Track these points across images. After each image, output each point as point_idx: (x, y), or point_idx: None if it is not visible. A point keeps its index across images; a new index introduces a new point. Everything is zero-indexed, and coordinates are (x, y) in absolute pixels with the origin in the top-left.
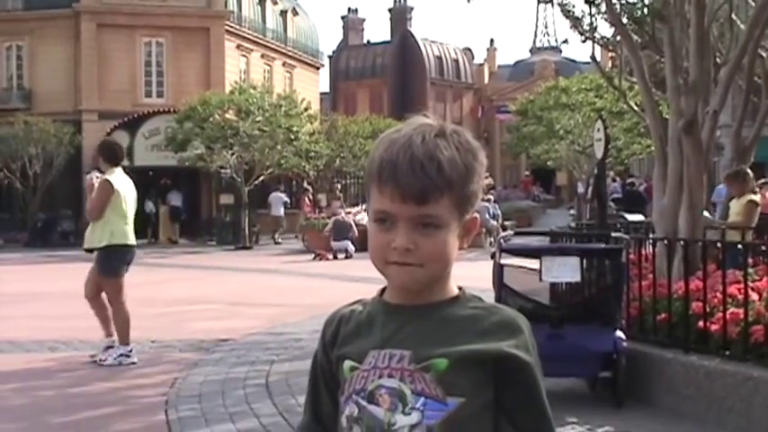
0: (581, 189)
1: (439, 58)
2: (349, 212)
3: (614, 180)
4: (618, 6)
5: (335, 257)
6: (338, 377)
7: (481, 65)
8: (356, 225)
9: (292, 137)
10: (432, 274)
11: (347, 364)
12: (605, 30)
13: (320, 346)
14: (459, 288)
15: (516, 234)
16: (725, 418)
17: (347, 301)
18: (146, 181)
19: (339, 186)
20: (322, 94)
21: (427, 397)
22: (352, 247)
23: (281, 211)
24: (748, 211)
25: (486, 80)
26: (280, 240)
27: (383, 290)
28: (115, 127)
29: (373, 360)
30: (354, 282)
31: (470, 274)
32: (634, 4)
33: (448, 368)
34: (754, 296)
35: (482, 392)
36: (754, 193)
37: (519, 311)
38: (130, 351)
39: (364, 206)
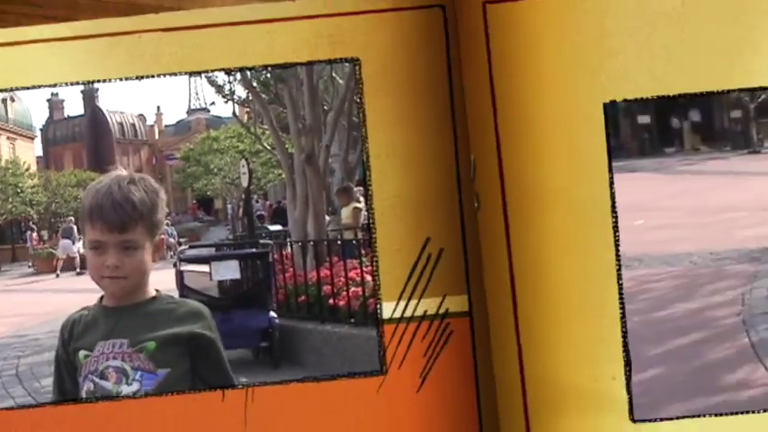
0: (230, 210)
1: (120, 124)
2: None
3: (257, 201)
4: (249, 74)
5: (57, 274)
6: (75, 364)
7: (152, 125)
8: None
9: (18, 191)
10: (134, 283)
11: (82, 353)
12: (241, 92)
13: (60, 343)
14: (156, 290)
15: (191, 247)
16: (354, 367)
17: (72, 306)
18: None
19: (72, 219)
20: (38, 157)
21: (143, 370)
22: (74, 248)
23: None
24: (354, 215)
25: (157, 136)
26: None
27: (102, 297)
28: None
29: (101, 348)
30: (75, 293)
31: (159, 279)
32: (260, 71)
33: (156, 348)
34: (369, 277)
35: (183, 363)
36: (358, 201)
37: (200, 303)
38: None
39: (79, 237)
